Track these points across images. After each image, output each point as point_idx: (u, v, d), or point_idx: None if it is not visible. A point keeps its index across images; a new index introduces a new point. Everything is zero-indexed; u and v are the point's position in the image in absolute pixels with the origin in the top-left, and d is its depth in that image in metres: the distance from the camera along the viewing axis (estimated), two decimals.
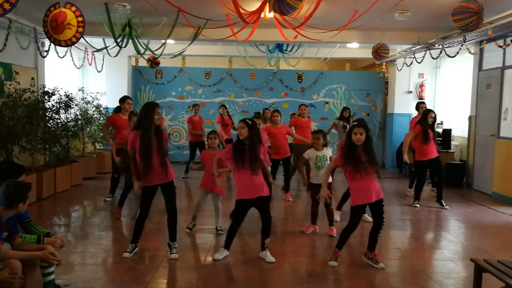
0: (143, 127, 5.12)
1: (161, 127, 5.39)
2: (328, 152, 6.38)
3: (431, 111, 8.21)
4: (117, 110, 8.08)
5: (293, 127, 9.27)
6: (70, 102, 9.51)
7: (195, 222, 6.45)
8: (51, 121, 8.94)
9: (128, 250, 5.34)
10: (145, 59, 11.75)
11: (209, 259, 5.32)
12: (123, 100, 8.05)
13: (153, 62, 12.02)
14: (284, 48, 12.29)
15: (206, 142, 10.68)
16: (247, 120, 5.19)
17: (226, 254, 5.31)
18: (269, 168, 6.17)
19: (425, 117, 8.11)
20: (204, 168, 6.22)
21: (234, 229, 5.28)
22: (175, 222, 5.36)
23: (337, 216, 6.94)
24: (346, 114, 11.45)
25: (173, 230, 5.37)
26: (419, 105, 9.53)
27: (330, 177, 6.29)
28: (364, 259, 5.24)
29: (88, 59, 11.39)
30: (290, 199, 8.63)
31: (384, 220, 5.12)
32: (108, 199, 8.28)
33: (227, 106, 11.63)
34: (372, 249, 5.17)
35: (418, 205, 8.25)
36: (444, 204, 8.22)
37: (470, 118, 10.45)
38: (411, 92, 12.85)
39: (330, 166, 5.37)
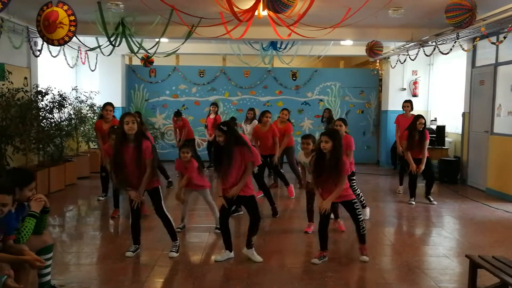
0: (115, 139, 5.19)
1: (144, 136, 5.18)
2: None
3: (420, 117, 8.12)
4: (101, 116, 7.88)
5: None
6: (64, 101, 9.47)
7: (185, 223, 6.42)
8: (44, 120, 8.89)
9: (131, 250, 5.32)
10: (138, 58, 11.71)
11: (205, 258, 5.31)
12: (103, 107, 7.84)
13: (147, 60, 11.99)
14: (278, 45, 12.28)
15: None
16: (221, 126, 5.03)
17: (229, 256, 5.23)
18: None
19: (414, 122, 8.08)
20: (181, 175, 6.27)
21: (223, 224, 5.22)
22: (167, 224, 5.33)
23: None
24: (326, 115, 11.40)
25: (169, 232, 5.36)
26: (403, 104, 9.48)
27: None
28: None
29: (81, 58, 11.34)
30: (292, 196, 8.64)
31: (359, 217, 5.14)
32: (101, 198, 8.24)
33: (218, 105, 11.67)
34: (361, 242, 5.26)
35: (413, 202, 8.26)
36: (432, 200, 8.28)
37: (463, 114, 10.49)
38: (404, 89, 12.88)
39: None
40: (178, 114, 10.91)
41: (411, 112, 9.19)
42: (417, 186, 8.34)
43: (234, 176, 5.05)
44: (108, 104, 7.84)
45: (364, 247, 5.24)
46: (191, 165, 6.17)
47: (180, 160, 6.23)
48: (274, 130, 8.49)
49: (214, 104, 11.65)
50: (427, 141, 8.15)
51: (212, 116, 11.48)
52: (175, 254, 5.28)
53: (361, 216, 5.19)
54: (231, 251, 5.26)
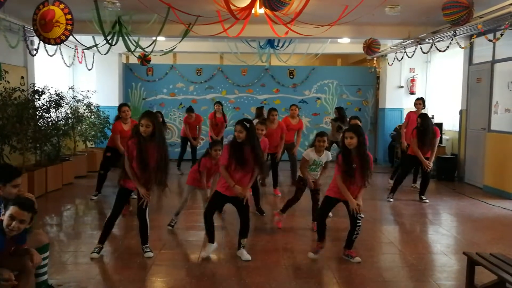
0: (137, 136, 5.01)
1: (160, 139, 5.05)
2: (326, 157, 6.17)
3: (419, 116, 8.21)
4: (118, 117, 7.89)
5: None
6: (61, 100, 9.43)
7: (177, 219, 6.39)
8: (41, 120, 8.86)
9: (96, 251, 5.24)
10: (135, 56, 11.67)
11: (203, 256, 5.30)
12: (119, 108, 7.90)
13: (144, 59, 11.96)
14: (275, 44, 12.27)
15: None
16: (244, 122, 5.02)
17: (214, 248, 5.27)
18: None
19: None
20: (205, 175, 6.19)
21: (208, 216, 5.19)
22: (144, 228, 5.26)
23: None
24: (337, 114, 11.37)
25: (142, 235, 5.29)
26: (415, 101, 9.47)
27: (318, 173, 6.28)
28: (342, 256, 5.25)
29: (78, 57, 11.29)
30: (279, 194, 8.67)
31: (359, 222, 5.08)
32: (94, 197, 8.21)
33: (222, 104, 11.58)
34: (348, 248, 5.21)
35: (391, 199, 8.30)
36: (424, 198, 8.29)
37: (461, 112, 10.51)
38: (402, 86, 12.88)
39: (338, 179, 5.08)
40: (191, 110, 10.83)
41: (423, 111, 9.24)
42: (401, 185, 8.39)
43: (241, 175, 5.06)
44: (124, 105, 8.01)
45: (351, 251, 5.19)
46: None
47: (209, 158, 6.14)
48: (283, 127, 8.52)
49: (218, 102, 11.53)
50: (437, 139, 8.21)
51: (219, 115, 11.37)
52: (151, 254, 5.23)
53: (360, 221, 5.12)
54: (213, 243, 5.26)
